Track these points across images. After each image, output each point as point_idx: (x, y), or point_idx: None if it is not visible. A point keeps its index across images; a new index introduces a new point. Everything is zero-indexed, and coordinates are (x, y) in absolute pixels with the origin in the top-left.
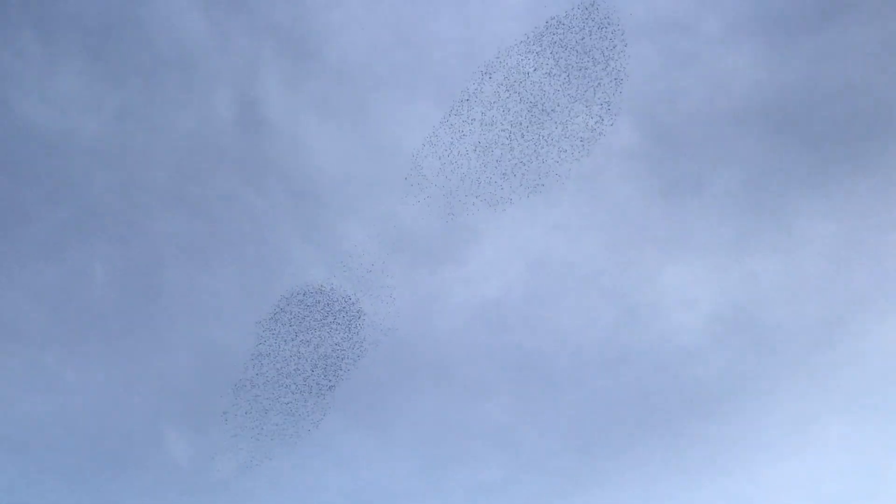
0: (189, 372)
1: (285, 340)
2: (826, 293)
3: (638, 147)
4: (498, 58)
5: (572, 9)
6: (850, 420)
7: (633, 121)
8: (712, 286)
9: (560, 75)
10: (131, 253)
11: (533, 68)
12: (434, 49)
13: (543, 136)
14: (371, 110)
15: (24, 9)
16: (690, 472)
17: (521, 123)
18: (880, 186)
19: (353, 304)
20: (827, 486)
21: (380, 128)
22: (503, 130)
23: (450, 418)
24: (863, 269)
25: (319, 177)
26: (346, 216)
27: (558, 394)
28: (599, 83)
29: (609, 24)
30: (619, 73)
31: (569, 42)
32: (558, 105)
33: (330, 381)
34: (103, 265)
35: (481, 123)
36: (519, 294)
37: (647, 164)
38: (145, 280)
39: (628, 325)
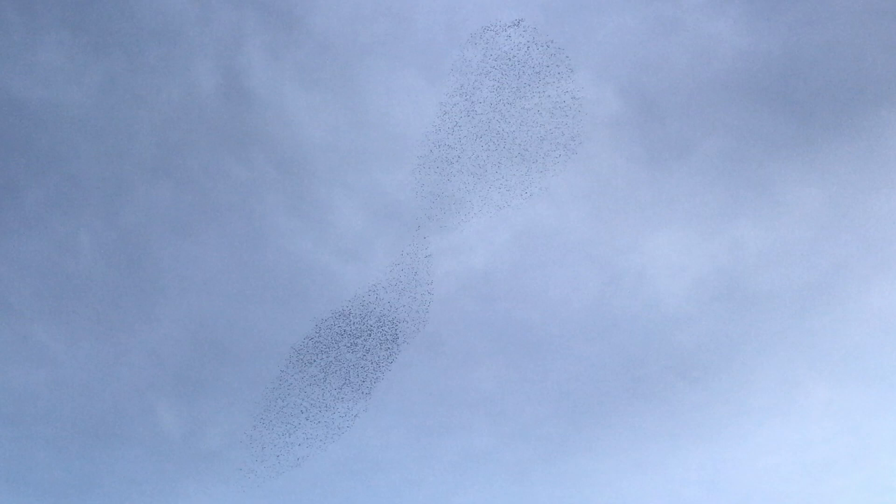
0: (178, 343)
1: (319, 355)
2: (811, 259)
3: (622, 115)
4: (481, 30)
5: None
6: (835, 385)
7: (618, 89)
8: (697, 253)
9: (541, 51)
10: (117, 224)
11: (521, 43)
12: (418, 18)
13: (529, 109)
14: (355, 80)
15: None
16: (677, 438)
17: (506, 95)
18: (864, 152)
19: (389, 319)
20: (811, 451)
21: (364, 98)
22: (489, 101)
23: (438, 387)
24: (847, 234)
25: (304, 147)
26: (332, 186)
27: (546, 361)
28: (559, 107)
29: (554, 52)
30: (573, 100)
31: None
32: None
33: (365, 388)
34: (89, 237)
35: (468, 96)
36: (505, 263)
37: (631, 132)
38: (132, 251)
39: (614, 293)
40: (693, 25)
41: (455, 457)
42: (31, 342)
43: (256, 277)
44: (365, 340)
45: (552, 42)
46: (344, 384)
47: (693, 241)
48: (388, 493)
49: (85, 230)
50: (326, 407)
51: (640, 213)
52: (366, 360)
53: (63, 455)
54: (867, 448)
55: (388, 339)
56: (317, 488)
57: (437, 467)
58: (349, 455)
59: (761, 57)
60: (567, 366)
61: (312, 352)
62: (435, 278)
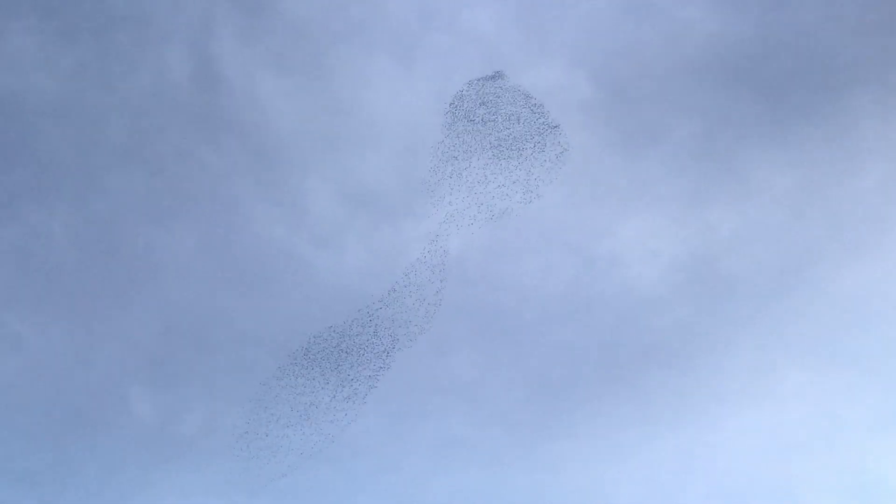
0: (151, 330)
1: (309, 367)
2: (782, 243)
3: (595, 100)
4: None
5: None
6: (808, 368)
7: (590, 74)
8: (671, 237)
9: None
10: (89, 211)
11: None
12: (390, 3)
13: (505, 97)
14: (327, 66)
15: None
16: (651, 421)
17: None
18: (835, 136)
19: (386, 328)
20: (785, 433)
21: (337, 83)
22: (465, 85)
23: (414, 373)
24: (818, 218)
25: (276, 133)
26: (305, 172)
27: (521, 347)
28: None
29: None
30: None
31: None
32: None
33: (357, 397)
34: (61, 224)
35: (442, 80)
36: (480, 248)
37: (604, 116)
38: (104, 238)
39: (589, 278)
40: (664, 10)
41: (431, 442)
42: (3, 330)
43: (229, 264)
44: (359, 355)
45: (530, 95)
46: (333, 398)
47: (666, 225)
48: (364, 478)
49: (57, 217)
50: (316, 418)
51: (614, 198)
52: (358, 372)
53: (37, 443)
54: (840, 430)
55: (382, 352)
56: (293, 474)
57: (414, 453)
58: (326, 441)
59: (732, 41)
60: (542, 351)
61: (302, 364)
62: (409, 264)
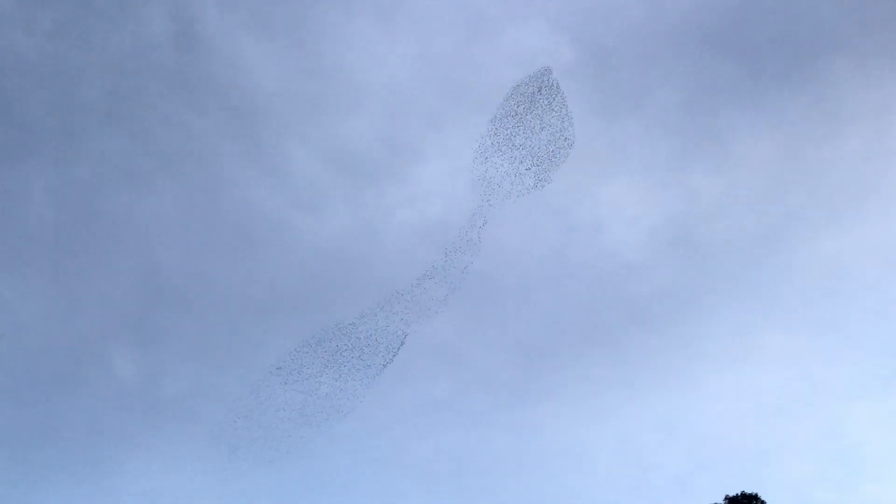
0: (133, 292)
1: (316, 358)
2: (763, 208)
3: (576, 66)
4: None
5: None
6: (788, 332)
7: (572, 40)
8: (652, 203)
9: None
10: (69, 173)
11: None
12: None
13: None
14: (310, 28)
15: None
16: (633, 384)
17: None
18: (816, 103)
19: (398, 328)
20: (765, 395)
21: (319, 45)
22: (448, 45)
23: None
24: (798, 184)
25: (258, 95)
26: (288, 135)
27: (503, 310)
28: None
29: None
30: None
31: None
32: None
33: (363, 385)
34: (42, 185)
35: (425, 42)
36: (462, 213)
37: (585, 82)
38: (84, 200)
39: (571, 243)
40: None
41: (415, 405)
42: None
43: (211, 226)
44: (366, 354)
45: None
46: (338, 390)
47: (647, 190)
48: (348, 441)
49: (37, 179)
50: (316, 405)
51: (595, 164)
52: (369, 360)
53: (19, 404)
54: (820, 393)
55: (390, 349)
56: (276, 437)
57: (398, 415)
58: (308, 405)
59: (714, 8)
60: (524, 315)
61: (301, 362)
62: (392, 228)
